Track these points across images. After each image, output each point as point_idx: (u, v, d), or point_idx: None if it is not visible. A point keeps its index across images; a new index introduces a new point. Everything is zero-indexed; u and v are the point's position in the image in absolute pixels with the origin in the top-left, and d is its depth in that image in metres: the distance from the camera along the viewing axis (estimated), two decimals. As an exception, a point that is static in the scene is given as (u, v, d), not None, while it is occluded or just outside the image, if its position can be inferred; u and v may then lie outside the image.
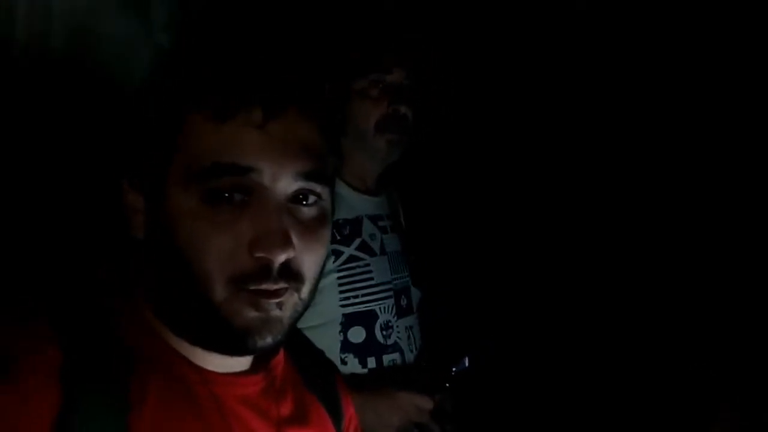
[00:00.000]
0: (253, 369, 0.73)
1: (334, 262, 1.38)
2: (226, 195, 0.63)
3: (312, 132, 0.67)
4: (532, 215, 2.03)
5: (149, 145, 0.66)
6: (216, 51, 0.67)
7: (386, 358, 1.41)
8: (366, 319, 1.40)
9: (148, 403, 0.62)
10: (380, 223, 1.49)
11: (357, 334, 1.39)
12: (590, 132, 1.95)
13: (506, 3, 1.98)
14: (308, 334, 0.92)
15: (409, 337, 1.47)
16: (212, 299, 0.63)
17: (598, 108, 1.93)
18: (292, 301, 0.66)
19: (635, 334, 1.82)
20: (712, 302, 1.72)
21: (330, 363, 0.90)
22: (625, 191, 1.91)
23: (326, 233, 0.69)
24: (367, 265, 1.42)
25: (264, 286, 0.63)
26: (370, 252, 1.44)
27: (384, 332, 1.42)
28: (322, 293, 1.19)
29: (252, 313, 0.64)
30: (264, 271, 0.63)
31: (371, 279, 1.41)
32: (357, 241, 1.43)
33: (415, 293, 1.53)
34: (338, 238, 1.40)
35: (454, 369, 1.34)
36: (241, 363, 0.72)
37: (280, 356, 0.77)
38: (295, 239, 0.64)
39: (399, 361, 1.43)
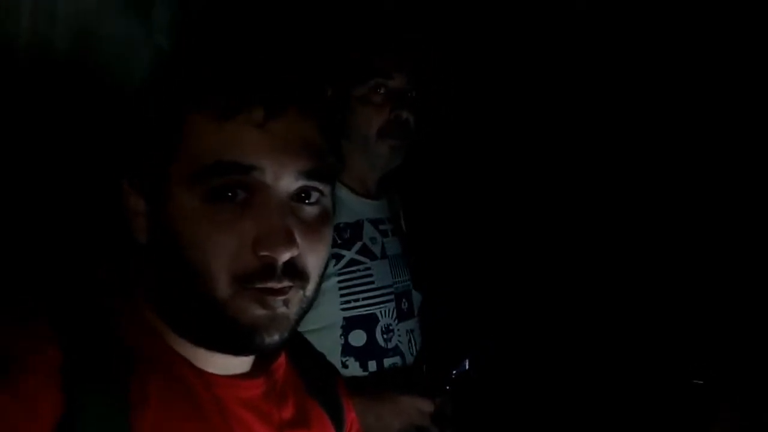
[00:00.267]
0: (255, 372, 0.73)
1: (334, 265, 1.38)
2: (229, 194, 0.63)
3: (312, 131, 0.67)
4: (531, 217, 2.03)
5: (149, 146, 0.66)
6: (216, 51, 0.68)
7: (387, 362, 1.41)
8: (367, 322, 1.40)
9: (149, 404, 0.62)
10: (381, 227, 1.50)
11: (358, 338, 1.39)
12: (590, 132, 1.95)
13: (506, 3, 1.98)
14: (309, 337, 0.92)
15: (410, 340, 1.47)
16: (217, 298, 0.63)
17: (598, 108, 1.93)
18: (297, 297, 0.66)
19: (635, 335, 1.82)
20: (712, 303, 1.72)
21: (331, 367, 0.90)
22: (625, 192, 1.91)
23: (328, 232, 0.69)
24: (368, 268, 1.42)
25: (269, 285, 0.63)
26: (371, 255, 1.44)
27: (385, 336, 1.42)
28: (323, 296, 1.18)
29: (258, 311, 0.64)
30: (268, 270, 0.63)
31: (372, 282, 1.42)
32: (358, 245, 1.43)
33: (416, 297, 1.53)
34: (339, 241, 1.40)
35: (454, 372, 1.34)
36: (242, 365, 0.72)
37: (282, 359, 0.77)
38: (298, 238, 0.64)
39: (400, 364, 1.43)
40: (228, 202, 0.63)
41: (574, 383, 1.87)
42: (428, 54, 1.50)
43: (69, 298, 0.66)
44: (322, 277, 0.70)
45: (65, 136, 0.97)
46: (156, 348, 0.67)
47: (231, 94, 0.63)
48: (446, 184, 2.06)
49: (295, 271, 0.65)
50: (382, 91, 1.41)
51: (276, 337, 0.65)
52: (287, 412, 0.75)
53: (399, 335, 1.44)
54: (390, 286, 1.45)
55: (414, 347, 1.49)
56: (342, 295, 1.38)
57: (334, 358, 1.35)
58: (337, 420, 0.82)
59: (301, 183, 0.65)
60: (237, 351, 0.69)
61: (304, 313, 0.69)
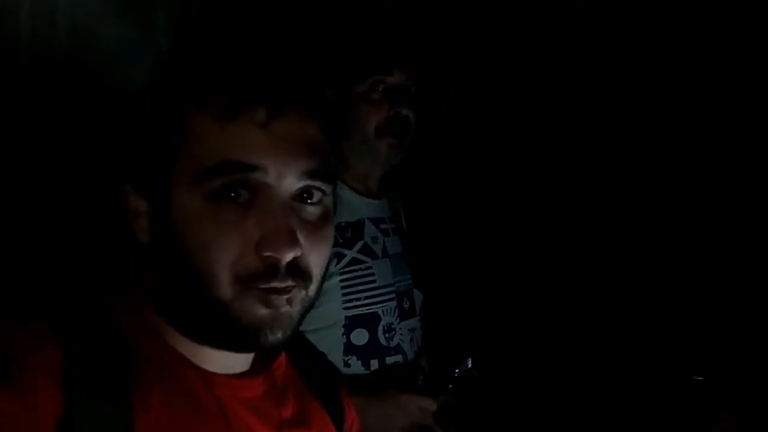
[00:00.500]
0: (255, 371, 0.74)
1: (336, 264, 1.38)
2: (232, 194, 0.63)
3: (314, 131, 0.67)
4: (532, 216, 2.03)
5: (150, 146, 0.66)
6: (217, 51, 0.68)
7: (389, 361, 1.41)
8: (369, 321, 1.40)
9: (150, 405, 0.62)
10: (382, 226, 1.50)
11: (360, 337, 1.39)
12: (589, 132, 1.95)
13: (506, 3, 1.98)
14: (311, 336, 0.92)
15: (411, 339, 1.47)
16: (221, 299, 0.63)
17: (598, 108, 1.93)
18: (300, 297, 0.67)
19: (636, 335, 1.82)
20: (713, 303, 1.72)
21: (332, 366, 0.90)
22: (625, 192, 1.91)
23: (330, 231, 0.70)
24: (370, 267, 1.42)
25: (273, 284, 0.64)
26: (373, 255, 1.44)
27: (387, 335, 1.42)
28: (324, 296, 1.19)
29: (262, 310, 0.64)
30: (272, 270, 0.63)
31: (374, 282, 1.42)
32: (359, 244, 1.43)
33: (418, 295, 1.53)
34: (340, 241, 1.40)
35: (456, 370, 1.34)
36: (242, 363, 0.73)
37: (282, 359, 0.77)
38: (301, 238, 0.64)
39: (402, 363, 1.44)
40: (231, 202, 0.63)
41: (575, 381, 1.87)
42: (428, 51, 1.49)
43: (69, 298, 0.66)
44: (324, 277, 0.70)
45: (64, 137, 0.97)
46: (157, 348, 0.67)
47: (233, 95, 0.63)
48: (447, 183, 2.06)
49: (298, 271, 0.65)
50: (380, 89, 1.41)
51: (279, 336, 0.65)
52: (287, 412, 0.75)
53: (401, 334, 1.44)
54: (391, 285, 1.45)
55: (416, 346, 1.49)
56: (344, 294, 1.38)
57: (337, 357, 1.36)
58: (338, 419, 0.82)
59: (303, 183, 0.65)
60: (240, 349, 0.69)
61: (306, 312, 0.69)
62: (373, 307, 1.40)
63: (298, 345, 0.84)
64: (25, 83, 0.91)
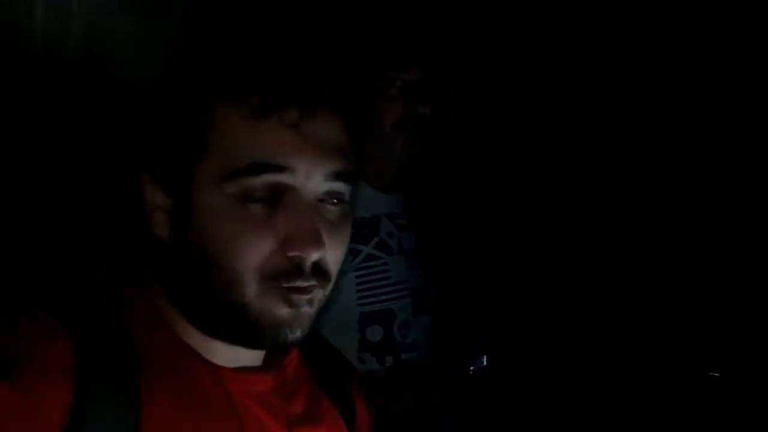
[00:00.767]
0: (266, 366, 0.73)
1: (352, 260, 1.38)
2: (260, 194, 0.63)
3: (341, 132, 0.67)
4: (537, 216, 2.03)
5: (173, 139, 0.66)
6: (245, 47, 0.67)
7: (404, 357, 1.41)
8: (384, 317, 1.39)
9: (159, 399, 0.62)
10: (398, 221, 1.49)
11: (375, 333, 1.38)
12: (589, 132, 1.95)
13: (506, 3, 1.98)
14: (325, 332, 0.92)
15: (427, 335, 1.47)
16: (243, 297, 0.64)
17: (598, 108, 1.93)
18: (318, 297, 0.67)
19: (650, 331, 1.81)
20: (713, 303, 1.72)
21: (346, 362, 0.90)
22: (626, 193, 1.91)
23: (349, 231, 0.70)
24: (385, 263, 1.42)
25: (296, 284, 0.64)
26: (388, 251, 1.43)
27: (402, 331, 1.41)
28: (339, 292, 1.19)
29: (284, 309, 0.65)
30: (296, 270, 0.64)
31: (389, 278, 1.41)
32: (375, 240, 1.42)
33: (434, 291, 1.52)
34: (356, 236, 1.39)
35: (472, 367, 1.33)
36: (254, 359, 0.73)
37: (294, 355, 0.77)
38: (324, 238, 0.65)
39: (417, 359, 1.43)
40: (259, 202, 0.63)
41: (590, 378, 1.86)
42: (443, 50, 1.49)
43: (76, 292, 0.66)
44: (339, 276, 0.71)
45: (74, 133, 0.97)
46: (166, 341, 0.67)
47: (265, 93, 0.63)
48: (459, 180, 2.06)
49: (320, 271, 0.66)
50: (398, 84, 1.40)
51: (298, 334, 0.66)
52: (298, 408, 0.74)
53: (416, 330, 1.44)
54: (407, 281, 1.45)
55: (431, 342, 1.48)
56: (359, 291, 1.38)
57: (351, 353, 1.36)
58: (348, 416, 0.81)
59: (328, 184, 0.66)
60: (258, 347, 0.70)
61: (320, 310, 0.69)
62: (388, 303, 1.40)
63: (312, 341, 0.83)
64: (37, 77, 0.91)
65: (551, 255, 1.99)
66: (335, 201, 0.67)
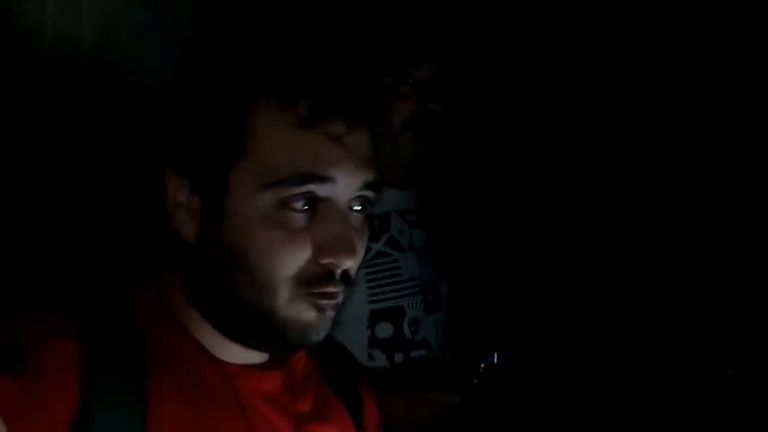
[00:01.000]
0: (273, 363, 0.73)
1: (361, 257, 1.38)
2: (299, 203, 0.63)
3: (371, 141, 0.68)
4: (548, 213, 2.02)
5: (210, 139, 0.64)
6: (295, 52, 0.66)
7: (414, 354, 1.41)
8: (394, 315, 1.39)
9: (167, 395, 0.62)
10: (409, 218, 1.49)
11: (384, 330, 1.38)
12: (590, 132, 1.95)
13: (506, 3, 1.97)
14: (335, 329, 0.92)
15: (437, 333, 1.46)
16: (276, 303, 0.64)
17: (597, 107, 1.92)
18: (341, 301, 0.68)
19: (665, 329, 1.80)
20: (719, 305, 1.71)
21: (353, 360, 0.90)
22: (628, 193, 1.90)
23: (367, 237, 0.71)
24: (395, 261, 1.41)
25: (326, 289, 0.65)
26: (399, 248, 1.43)
27: (412, 328, 1.41)
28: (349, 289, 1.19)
29: (311, 314, 0.65)
30: (328, 276, 0.65)
31: (399, 275, 1.41)
32: (385, 237, 1.42)
33: (444, 288, 1.52)
34: (366, 233, 1.39)
35: (482, 365, 1.33)
36: (261, 356, 0.72)
37: (302, 352, 0.77)
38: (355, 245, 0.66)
39: (427, 357, 1.43)
40: (298, 210, 0.64)
41: (604, 376, 1.85)
42: (454, 46, 1.48)
43: (83, 290, 0.66)
44: None
45: (83, 130, 0.97)
46: (175, 338, 0.67)
47: (313, 104, 0.62)
48: (470, 178, 2.06)
49: (347, 278, 0.67)
50: (409, 81, 1.40)
51: (321, 336, 0.68)
52: (306, 406, 0.74)
53: (426, 328, 1.43)
54: (418, 278, 1.44)
55: (441, 340, 1.48)
56: (369, 288, 1.37)
57: (361, 350, 1.36)
58: (356, 413, 0.81)
59: (360, 193, 0.66)
60: (281, 350, 0.71)
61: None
62: (398, 300, 1.40)
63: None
64: (49, 73, 0.91)
65: (562, 251, 1.99)
66: (362, 209, 0.68)
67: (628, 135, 1.90)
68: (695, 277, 1.78)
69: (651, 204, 1.88)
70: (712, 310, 1.74)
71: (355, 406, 0.81)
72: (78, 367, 0.58)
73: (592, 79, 1.92)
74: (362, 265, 1.35)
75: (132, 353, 0.62)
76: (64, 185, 0.94)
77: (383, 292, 1.38)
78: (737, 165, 1.75)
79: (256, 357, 0.72)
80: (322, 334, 0.67)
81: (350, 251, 0.65)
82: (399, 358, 1.39)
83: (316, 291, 0.65)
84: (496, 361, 1.33)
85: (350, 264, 0.65)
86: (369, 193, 0.67)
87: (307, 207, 0.64)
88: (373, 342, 1.37)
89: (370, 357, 1.37)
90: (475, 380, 1.32)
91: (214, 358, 0.68)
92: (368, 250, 1.38)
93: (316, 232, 0.64)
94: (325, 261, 0.64)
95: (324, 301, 0.65)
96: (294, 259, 0.63)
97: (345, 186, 0.65)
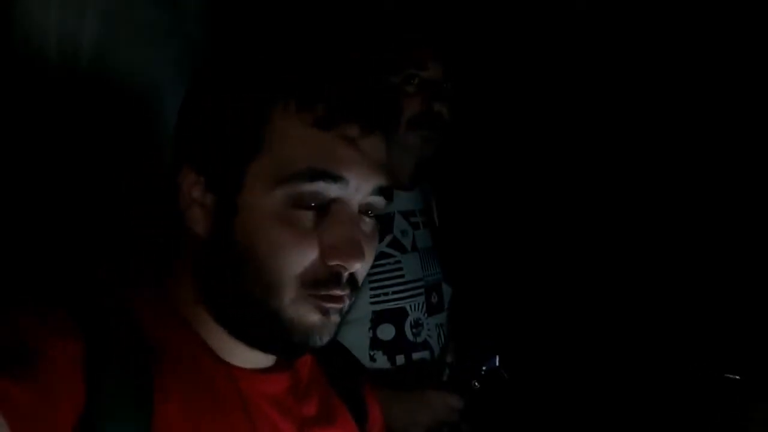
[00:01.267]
0: (279, 366, 0.73)
1: (364, 258, 1.37)
2: (310, 202, 0.64)
3: (384, 146, 0.69)
4: (553, 215, 2.02)
5: (229, 137, 0.65)
6: (313, 54, 0.67)
7: (416, 356, 1.40)
8: (396, 316, 1.38)
9: (172, 396, 0.62)
10: (412, 219, 1.48)
11: (386, 332, 1.38)
12: (590, 132, 1.95)
13: (506, 3, 1.97)
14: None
15: (439, 335, 1.46)
16: (281, 301, 0.64)
17: (597, 107, 1.92)
18: (347, 305, 0.69)
19: (668, 333, 1.81)
20: (720, 309, 1.71)
21: (357, 363, 0.90)
22: (630, 197, 1.90)
23: (377, 243, 0.71)
24: (398, 262, 1.41)
25: (333, 292, 0.65)
26: (402, 249, 1.42)
27: (414, 330, 1.40)
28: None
29: (316, 316, 0.66)
30: (335, 279, 0.65)
31: (402, 276, 1.40)
32: (388, 238, 1.41)
33: (447, 290, 1.51)
34: (369, 234, 1.38)
35: (484, 368, 1.32)
36: (267, 359, 0.73)
37: (307, 356, 0.77)
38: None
39: (428, 359, 1.42)
40: (308, 209, 0.64)
41: (605, 379, 1.85)
42: (462, 46, 1.48)
43: (87, 289, 0.66)
44: None
45: (88, 128, 0.96)
46: (180, 338, 0.67)
47: (332, 105, 0.63)
48: (479, 177, 2.06)
49: (354, 281, 0.67)
50: (415, 82, 1.39)
51: (326, 340, 0.68)
52: (311, 409, 0.75)
53: (428, 329, 1.43)
54: (420, 279, 1.44)
55: (443, 342, 1.47)
56: (371, 289, 1.37)
57: (362, 351, 1.35)
58: (360, 417, 0.81)
59: (371, 198, 0.67)
60: (286, 353, 0.70)
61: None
62: (400, 302, 1.39)
63: None
64: (52, 71, 0.91)
65: (565, 254, 1.98)
66: (371, 214, 0.69)
67: (630, 136, 1.90)
68: (695, 280, 1.78)
69: (655, 208, 1.88)
70: (712, 313, 1.74)
71: (359, 409, 0.82)
72: (83, 368, 0.58)
73: (592, 79, 1.92)
74: (365, 267, 1.36)
75: (135, 353, 0.62)
76: (66, 184, 0.93)
77: (386, 293, 1.38)
78: (737, 166, 1.76)
79: (262, 360, 0.72)
80: (326, 339, 0.67)
81: (358, 254, 0.65)
82: (401, 359, 1.38)
83: (321, 293, 0.65)
84: (497, 363, 1.33)
85: (358, 267, 0.66)
86: (380, 199, 0.68)
87: (318, 207, 0.64)
88: (375, 343, 1.37)
89: (372, 359, 1.36)
90: (477, 382, 1.31)
91: (220, 360, 0.69)
92: (371, 251, 1.38)
93: (326, 233, 0.64)
94: (332, 263, 0.64)
95: (329, 304, 0.65)
96: (300, 258, 0.64)
97: (357, 188, 0.65)
